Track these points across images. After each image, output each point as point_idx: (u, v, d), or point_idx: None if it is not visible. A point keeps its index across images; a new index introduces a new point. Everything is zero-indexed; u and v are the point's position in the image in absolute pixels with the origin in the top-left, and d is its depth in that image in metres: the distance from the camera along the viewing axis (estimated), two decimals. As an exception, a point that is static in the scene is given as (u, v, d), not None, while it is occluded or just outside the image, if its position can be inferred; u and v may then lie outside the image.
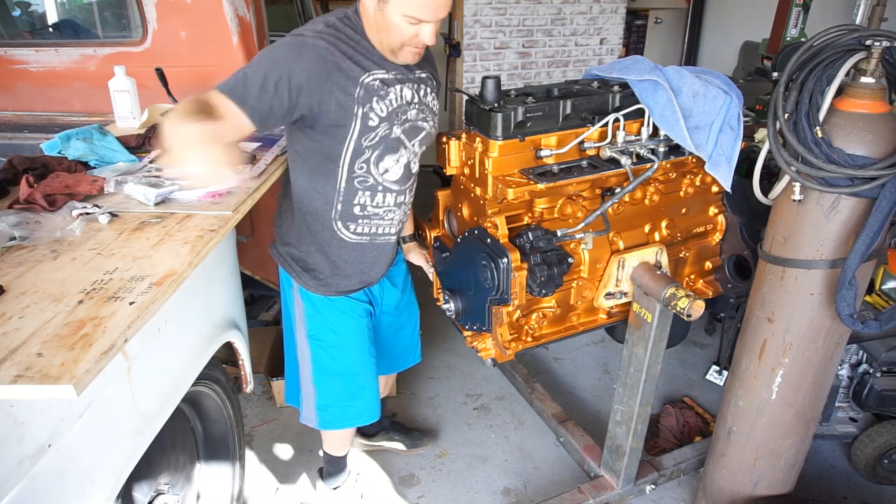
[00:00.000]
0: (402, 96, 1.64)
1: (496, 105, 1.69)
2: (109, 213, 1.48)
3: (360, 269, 1.84)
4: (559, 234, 1.74)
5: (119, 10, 2.66)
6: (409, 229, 2.10)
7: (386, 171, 1.69)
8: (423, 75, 1.71)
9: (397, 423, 2.57)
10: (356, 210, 1.72)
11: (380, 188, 1.71)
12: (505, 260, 1.64)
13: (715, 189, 2.05)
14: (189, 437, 1.87)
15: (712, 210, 2.10)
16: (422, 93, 1.70)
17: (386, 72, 1.60)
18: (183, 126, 1.30)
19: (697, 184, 2.01)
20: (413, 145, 1.72)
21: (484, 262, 1.70)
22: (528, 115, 1.70)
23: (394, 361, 2.24)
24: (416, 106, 1.68)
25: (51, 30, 2.87)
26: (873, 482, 2.36)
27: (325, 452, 2.21)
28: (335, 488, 2.28)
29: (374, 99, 1.57)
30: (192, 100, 1.37)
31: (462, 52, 5.18)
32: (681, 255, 2.06)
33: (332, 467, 2.24)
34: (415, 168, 1.79)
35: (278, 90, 1.44)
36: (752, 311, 1.80)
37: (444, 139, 1.86)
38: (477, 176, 1.79)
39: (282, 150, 1.89)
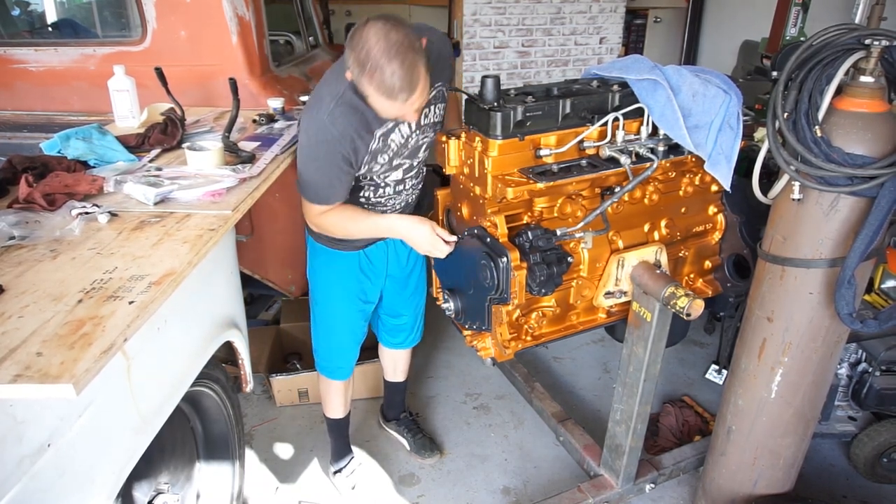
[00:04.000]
0: (401, 134, 1.77)
1: (495, 104, 1.69)
2: (109, 212, 1.47)
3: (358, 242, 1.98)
4: (559, 233, 1.74)
5: (118, 10, 2.66)
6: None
7: (388, 176, 1.87)
8: (431, 94, 1.76)
9: (416, 423, 2.59)
10: (361, 201, 1.90)
11: (382, 185, 1.88)
12: (504, 259, 1.64)
13: (714, 188, 2.05)
14: (189, 436, 1.88)
15: (712, 209, 2.10)
16: (423, 119, 1.80)
17: (387, 126, 1.73)
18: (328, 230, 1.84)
19: (697, 183, 2.01)
20: (414, 160, 1.89)
21: (483, 262, 1.70)
22: (527, 114, 1.70)
23: (395, 333, 2.33)
24: (416, 133, 1.82)
25: (50, 29, 2.87)
26: (872, 481, 2.37)
27: (324, 417, 2.36)
28: (335, 472, 2.37)
29: (378, 155, 1.77)
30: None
31: (461, 52, 5.18)
32: (680, 255, 2.06)
33: (330, 434, 2.38)
34: (417, 165, 1.93)
35: (342, 178, 1.73)
36: (751, 310, 1.80)
37: (444, 138, 1.86)
38: (476, 175, 1.79)
39: (282, 149, 1.89)
